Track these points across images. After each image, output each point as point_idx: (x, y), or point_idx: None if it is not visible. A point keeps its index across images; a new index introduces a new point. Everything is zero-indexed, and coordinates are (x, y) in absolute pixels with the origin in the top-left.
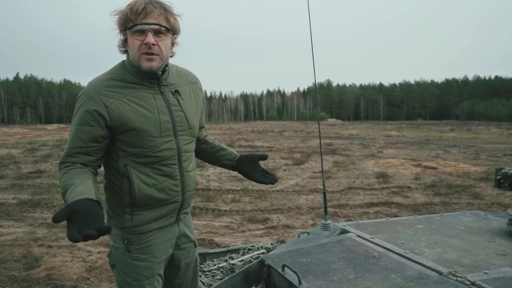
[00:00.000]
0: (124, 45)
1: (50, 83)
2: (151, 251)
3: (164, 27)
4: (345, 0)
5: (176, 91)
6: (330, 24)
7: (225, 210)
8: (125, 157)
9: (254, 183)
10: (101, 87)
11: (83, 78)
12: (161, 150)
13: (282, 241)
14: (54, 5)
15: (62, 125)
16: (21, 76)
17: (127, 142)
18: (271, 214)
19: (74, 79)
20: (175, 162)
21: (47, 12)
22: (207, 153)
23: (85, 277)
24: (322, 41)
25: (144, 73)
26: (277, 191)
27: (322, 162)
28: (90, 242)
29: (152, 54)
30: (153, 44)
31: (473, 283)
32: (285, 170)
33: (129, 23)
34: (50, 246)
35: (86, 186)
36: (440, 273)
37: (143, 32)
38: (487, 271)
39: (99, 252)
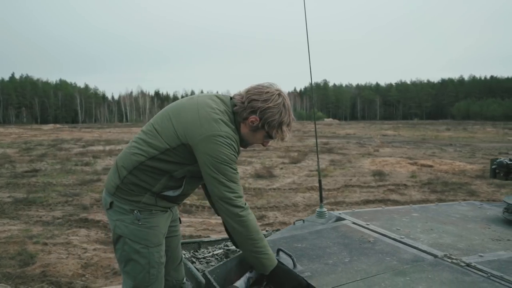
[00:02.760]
0: (249, 120)
1: (46, 83)
2: (157, 222)
3: None
4: (346, 2)
5: None
6: (330, 26)
7: None
8: (187, 172)
9: (251, 180)
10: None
11: (79, 78)
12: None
13: (277, 230)
14: (50, 4)
15: (58, 125)
16: (17, 76)
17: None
18: (267, 211)
19: (70, 79)
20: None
21: (43, 11)
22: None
23: (81, 273)
24: (321, 42)
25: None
26: (274, 189)
27: (317, 149)
28: (85, 239)
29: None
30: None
31: (468, 265)
32: (281, 168)
33: (272, 134)
34: (45, 244)
35: None
36: (435, 256)
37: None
38: (482, 254)
39: (95, 249)
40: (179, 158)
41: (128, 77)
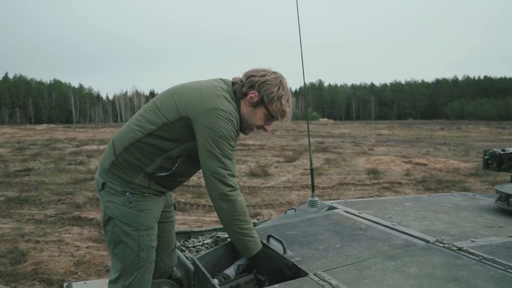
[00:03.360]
0: (244, 94)
1: (40, 83)
2: (150, 205)
3: None
4: (345, 5)
5: None
6: (327, 28)
7: None
8: (183, 151)
9: (246, 179)
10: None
11: (74, 78)
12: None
13: (269, 219)
14: (46, 2)
15: (52, 125)
16: (10, 76)
17: (197, 151)
18: (262, 209)
19: (64, 79)
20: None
21: (38, 9)
22: None
23: (73, 271)
24: (319, 44)
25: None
26: (269, 187)
27: (309, 140)
28: (78, 237)
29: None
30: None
31: (460, 249)
32: (276, 167)
33: (274, 112)
34: (37, 242)
35: None
36: (427, 241)
37: (270, 121)
38: (474, 240)
39: (87, 247)
40: (176, 134)
41: (123, 77)
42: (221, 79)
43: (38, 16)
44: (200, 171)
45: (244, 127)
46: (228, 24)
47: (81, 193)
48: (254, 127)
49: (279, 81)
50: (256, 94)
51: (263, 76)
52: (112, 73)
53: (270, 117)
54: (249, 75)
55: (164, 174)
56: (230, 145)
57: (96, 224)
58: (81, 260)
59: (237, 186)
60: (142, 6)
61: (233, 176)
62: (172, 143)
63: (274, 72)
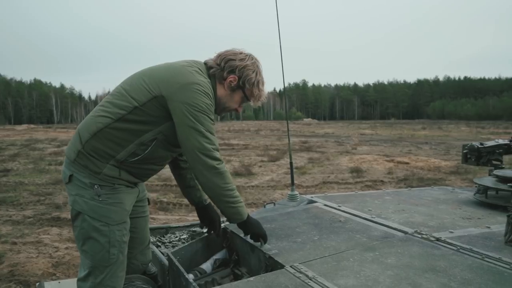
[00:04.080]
0: (223, 78)
1: (20, 83)
2: (121, 198)
3: None
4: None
5: None
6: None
7: None
8: (158, 134)
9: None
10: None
11: (55, 78)
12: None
13: None
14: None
15: (32, 126)
16: None
17: (173, 133)
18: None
19: (45, 79)
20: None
21: (16, 8)
22: (181, 181)
23: (51, 272)
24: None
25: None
26: (252, 186)
27: (288, 133)
28: (57, 238)
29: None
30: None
31: (438, 239)
32: (260, 166)
33: (250, 96)
34: (15, 243)
35: None
36: (405, 232)
37: (244, 103)
38: (452, 231)
39: (67, 248)
40: (149, 117)
41: (106, 76)
42: (191, 60)
43: (15, 14)
44: None
45: (220, 109)
46: (219, 25)
47: (61, 193)
48: (229, 110)
49: (256, 66)
50: (236, 78)
51: (242, 60)
52: (95, 73)
53: (246, 100)
54: (227, 59)
55: (135, 158)
56: (211, 118)
57: None
58: (60, 261)
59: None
60: (128, 2)
61: (217, 150)
62: (144, 126)
63: (251, 57)
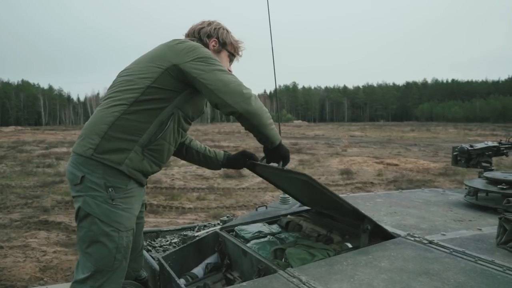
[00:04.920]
0: (210, 45)
1: (7, 84)
2: (132, 203)
3: None
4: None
5: None
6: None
7: (190, 208)
8: (174, 109)
9: (220, 180)
10: None
11: (43, 79)
12: (189, 124)
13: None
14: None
15: (19, 127)
16: None
17: (190, 101)
18: (236, 210)
19: (32, 80)
20: (182, 135)
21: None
22: (193, 159)
23: (39, 277)
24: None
25: None
26: (243, 188)
27: (280, 135)
28: (45, 242)
29: None
30: None
31: (430, 242)
32: None
33: (232, 49)
34: (1, 247)
35: None
36: (398, 235)
37: (231, 61)
38: (444, 233)
39: (55, 252)
40: (162, 92)
41: (95, 77)
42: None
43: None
44: (163, 172)
45: None
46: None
47: (49, 196)
48: None
49: (219, 23)
50: (216, 40)
51: (210, 24)
52: (83, 74)
53: (232, 57)
54: (198, 29)
55: (158, 137)
56: (221, 65)
57: (64, 228)
58: (48, 265)
59: None
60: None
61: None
62: (160, 104)
63: (211, 20)
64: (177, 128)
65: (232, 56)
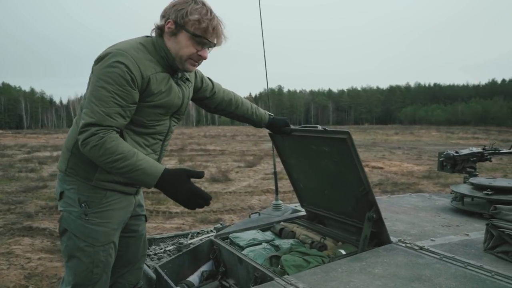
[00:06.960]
0: (164, 31)
1: None
2: (109, 217)
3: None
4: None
5: (187, 79)
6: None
7: (177, 212)
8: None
9: (206, 184)
10: (140, 58)
11: (24, 82)
12: (158, 125)
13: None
14: None
15: (0, 131)
16: None
17: (136, 111)
18: (223, 214)
19: (13, 83)
20: (161, 138)
21: None
22: (241, 120)
23: (24, 284)
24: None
25: (174, 65)
26: (230, 192)
27: (274, 148)
28: (30, 248)
29: (198, 63)
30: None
31: (421, 248)
32: (237, 172)
33: (196, 30)
34: None
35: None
36: (389, 242)
37: (202, 45)
38: (434, 239)
39: (39, 259)
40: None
41: (78, 80)
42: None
43: None
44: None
45: (177, 62)
46: None
47: (33, 201)
48: (191, 60)
49: (192, 0)
50: (171, 22)
51: (171, 4)
52: (67, 77)
53: (197, 38)
54: (161, 13)
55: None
56: (109, 89)
57: (49, 234)
58: (33, 272)
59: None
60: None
61: (93, 118)
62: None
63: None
64: (139, 137)
65: (197, 38)
